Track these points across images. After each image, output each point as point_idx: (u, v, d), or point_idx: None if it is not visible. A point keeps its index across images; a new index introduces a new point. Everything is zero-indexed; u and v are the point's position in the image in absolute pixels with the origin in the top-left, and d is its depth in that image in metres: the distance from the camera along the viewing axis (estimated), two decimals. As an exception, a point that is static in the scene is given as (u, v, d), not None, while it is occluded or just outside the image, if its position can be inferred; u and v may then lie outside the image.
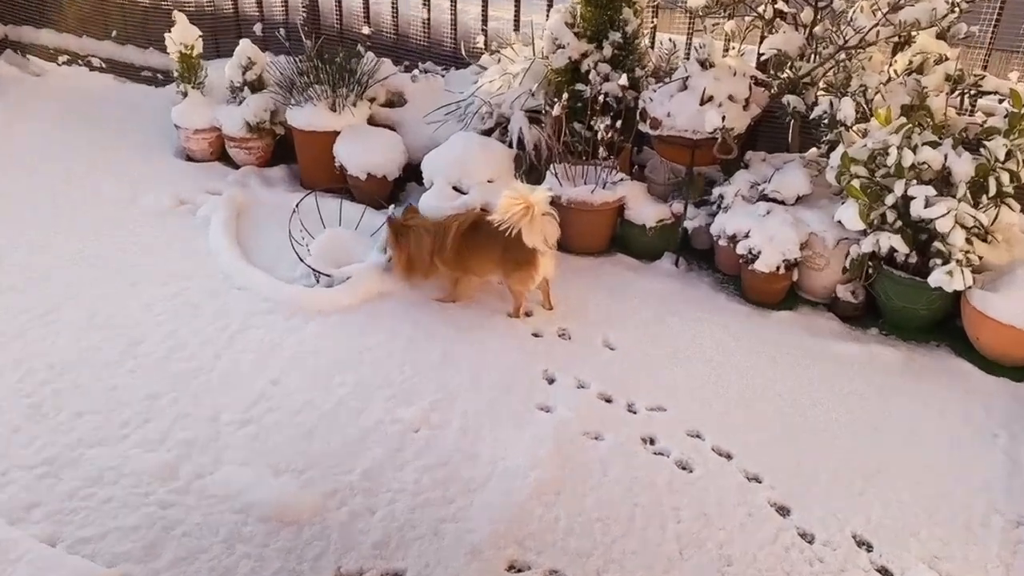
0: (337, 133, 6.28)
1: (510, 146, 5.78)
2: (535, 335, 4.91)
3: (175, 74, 6.87)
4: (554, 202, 4.94)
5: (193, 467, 3.80)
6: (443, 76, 6.71)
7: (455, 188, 5.50)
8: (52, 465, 3.74)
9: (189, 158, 6.89)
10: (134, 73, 8.18)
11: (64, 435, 3.91)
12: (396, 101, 6.65)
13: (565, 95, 5.57)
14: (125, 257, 5.41)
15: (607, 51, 5.70)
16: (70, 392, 4.20)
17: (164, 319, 4.84)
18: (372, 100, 6.57)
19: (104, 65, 8.28)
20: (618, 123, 5.64)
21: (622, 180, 5.76)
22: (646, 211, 5.73)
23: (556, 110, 5.51)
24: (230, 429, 4.03)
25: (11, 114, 7.30)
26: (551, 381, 4.53)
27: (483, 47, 6.57)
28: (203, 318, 4.87)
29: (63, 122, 7.22)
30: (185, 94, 6.86)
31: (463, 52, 6.64)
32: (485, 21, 6.65)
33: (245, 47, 6.63)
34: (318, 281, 5.14)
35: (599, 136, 5.47)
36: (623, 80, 5.50)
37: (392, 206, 5.69)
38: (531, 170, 5.82)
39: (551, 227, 4.74)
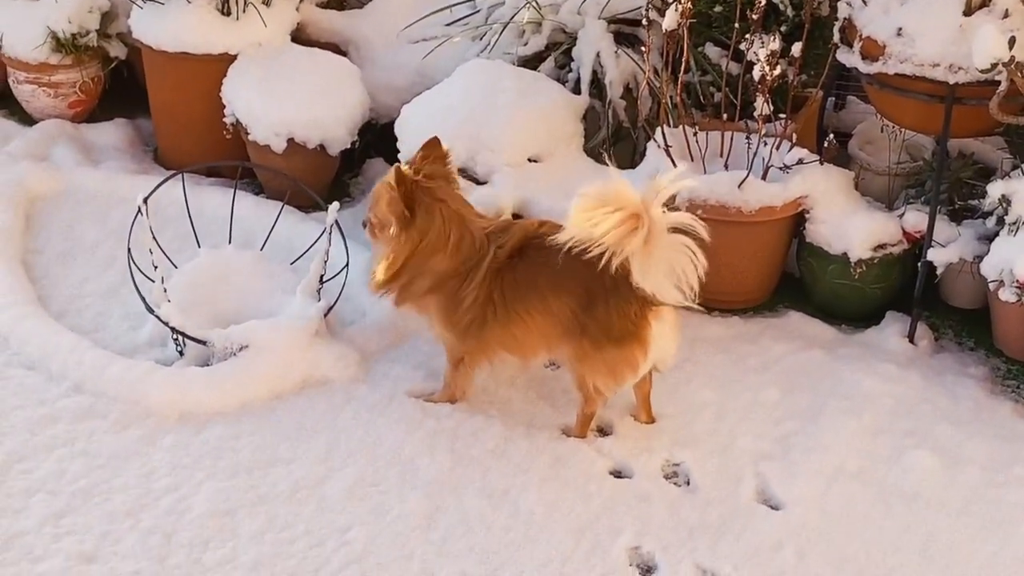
0: (231, 59, 5.14)
1: (576, 90, 4.93)
2: (616, 474, 3.90)
3: None
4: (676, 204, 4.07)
5: None
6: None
7: (462, 173, 4.42)
8: None
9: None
10: None
11: None
12: (350, -3, 5.87)
13: (689, -11, 4.49)
14: None
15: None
16: None
17: None
18: (303, -6, 5.56)
19: None
20: (796, 47, 4.42)
21: (802, 163, 4.53)
22: (851, 226, 4.50)
23: (670, 19, 4.40)
24: None
25: None
26: (648, 572, 3.57)
27: None
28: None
29: None
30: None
31: None
32: None
33: None
34: (182, 353, 4.16)
35: (757, 73, 4.34)
36: (806, -37, 4.53)
37: (336, 205, 4.49)
38: (618, 136, 4.96)
39: (685, 258, 3.53)
